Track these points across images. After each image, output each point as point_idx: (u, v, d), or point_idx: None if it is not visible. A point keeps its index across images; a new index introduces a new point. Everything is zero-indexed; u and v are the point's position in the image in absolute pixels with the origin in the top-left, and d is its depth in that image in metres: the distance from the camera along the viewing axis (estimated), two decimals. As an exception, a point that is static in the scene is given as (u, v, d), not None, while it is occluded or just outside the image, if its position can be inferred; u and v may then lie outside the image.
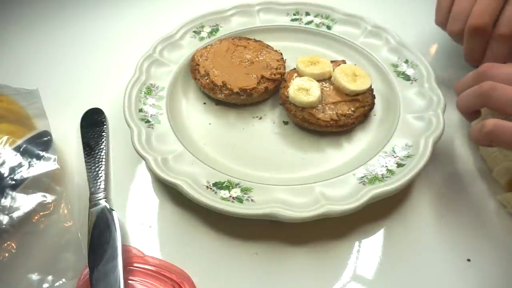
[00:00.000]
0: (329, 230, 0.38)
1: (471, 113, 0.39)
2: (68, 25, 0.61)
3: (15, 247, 0.35)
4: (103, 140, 0.45)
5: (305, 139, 0.45)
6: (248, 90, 0.46)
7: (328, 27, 0.55)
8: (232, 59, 0.49)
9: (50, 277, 0.34)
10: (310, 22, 0.56)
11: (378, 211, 0.39)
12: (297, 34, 0.55)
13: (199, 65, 0.48)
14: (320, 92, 0.44)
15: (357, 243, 0.38)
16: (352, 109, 0.44)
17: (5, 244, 0.35)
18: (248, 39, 0.53)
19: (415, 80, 0.48)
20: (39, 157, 0.39)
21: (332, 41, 0.54)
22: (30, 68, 0.55)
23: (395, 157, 0.41)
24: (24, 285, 0.34)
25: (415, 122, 0.43)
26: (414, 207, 0.40)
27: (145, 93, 0.46)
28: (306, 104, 0.44)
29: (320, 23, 0.55)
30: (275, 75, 0.48)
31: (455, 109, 0.40)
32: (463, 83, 0.40)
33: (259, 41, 0.53)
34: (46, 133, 0.41)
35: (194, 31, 0.54)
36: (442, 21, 0.48)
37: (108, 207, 0.38)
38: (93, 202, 0.39)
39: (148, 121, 0.44)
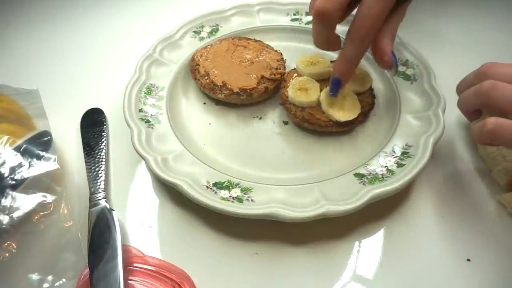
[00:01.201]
0: (329, 230, 0.38)
1: (472, 112, 0.39)
2: (68, 25, 0.61)
3: (15, 247, 0.35)
4: (103, 140, 0.45)
5: (305, 139, 0.45)
6: (248, 90, 0.46)
7: (328, 27, 0.55)
8: (232, 59, 0.49)
9: (50, 277, 0.34)
10: (310, 22, 0.56)
11: (378, 211, 0.39)
12: (297, 34, 0.55)
13: (199, 65, 0.48)
14: (320, 92, 0.44)
15: (357, 243, 0.38)
16: (352, 109, 0.44)
17: (5, 244, 0.35)
18: (248, 39, 0.53)
19: (415, 80, 0.48)
20: (39, 157, 0.39)
21: (332, 41, 0.54)
22: (30, 68, 0.55)
23: (395, 157, 0.41)
24: (24, 285, 0.34)
25: (415, 122, 0.43)
26: (414, 207, 0.40)
27: (145, 93, 0.46)
28: (306, 104, 0.44)
29: (320, 23, 0.55)
30: (275, 75, 0.48)
31: (455, 109, 0.40)
32: (464, 83, 0.40)
33: (259, 41, 0.53)
34: (46, 133, 0.41)
35: (194, 31, 0.54)
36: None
37: (108, 207, 0.38)
38: (93, 202, 0.39)
39: (148, 121, 0.44)
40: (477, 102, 0.37)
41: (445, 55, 0.55)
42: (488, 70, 0.37)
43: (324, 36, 0.39)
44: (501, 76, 0.35)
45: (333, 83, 0.41)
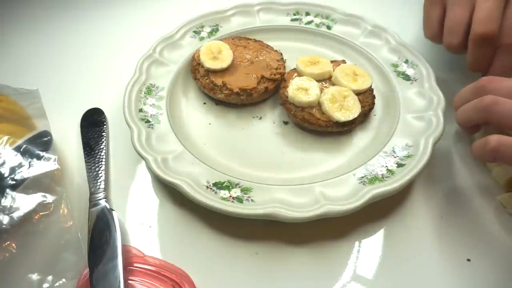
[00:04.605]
0: (329, 230, 0.38)
1: (471, 127, 0.39)
2: (68, 25, 0.61)
3: (15, 247, 0.35)
4: (103, 140, 0.45)
5: (305, 139, 0.45)
6: (248, 90, 0.46)
7: (328, 27, 0.55)
8: (232, 59, 0.49)
9: (50, 277, 0.34)
10: (310, 22, 0.56)
11: (378, 211, 0.39)
12: (297, 34, 0.55)
13: (199, 64, 0.48)
14: (320, 91, 0.44)
15: (357, 243, 0.38)
16: (352, 109, 0.44)
17: (5, 244, 0.35)
18: (248, 39, 0.53)
19: (415, 80, 0.48)
20: (39, 157, 0.39)
21: (332, 41, 0.54)
22: (30, 68, 0.55)
23: (395, 157, 0.41)
24: (24, 285, 0.34)
25: (415, 122, 0.43)
26: (414, 207, 0.40)
27: (145, 93, 0.46)
28: (305, 103, 0.44)
29: (320, 23, 0.55)
30: (275, 75, 0.48)
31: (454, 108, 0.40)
32: (461, 97, 0.39)
33: (259, 41, 0.53)
34: (46, 133, 0.41)
35: (194, 31, 0.54)
36: (434, 34, 0.45)
37: (108, 207, 0.38)
38: (93, 202, 0.39)
39: (148, 121, 0.44)
40: (477, 117, 0.36)
41: (446, 55, 0.54)
42: (487, 84, 0.36)
43: (486, 58, 0.41)
44: (501, 91, 0.35)
45: None
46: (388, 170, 0.39)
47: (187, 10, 0.57)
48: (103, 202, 0.39)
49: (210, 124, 0.46)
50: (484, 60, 0.42)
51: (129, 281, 0.35)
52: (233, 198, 0.38)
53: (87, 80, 0.53)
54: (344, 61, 0.49)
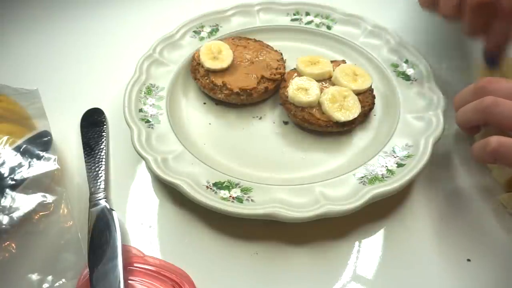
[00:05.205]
0: (329, 230, 0.38)
1: (471, 128, 0.39)
2: (68, 25, 0.61)
3: (15, 247, 0.35)
4: (103, 140, 0.45)
5: (305, 139, 0.45)
6: (248, 90, 0.46)
7: (328, 27, 0.55)
8: (232, 59, 0.49)
9: (50, 277, 0.34)
10: (310, 22, 0.56)
11: (378, 211, 0.39)
12: (297, 34, 0.55)
13: (199, 64, 0.48)
14: (320, 91, 0.44)
15: (357, 243, 0.38)
16: (352, 109, 0.44)
17: (5, 244, 0.35)
18: (248, 39, 0.53)
19: (415, 80, 0.48)
20: (39, 157, 0.39)
21: (332, 41, 0.54)
22: (30, 68, 0.55)
23: (395, 157, 0.41)
24: (24, 285, 0.34)
25: (415, 122, 0.43)
26: (414, 207, 0.40)
27: (145, 93, 0.46)
28: (305, 103, 0.44)
29: (320, 23, 0.55)
30: (275, 75, 0.48)
31: (454, 109, 0.40)
32: (461, 97, 0.39)
33: (259, 41, 0.53)
34: (46, 133, 0.41)
35: (194, 31, 0.54)
36: (430, 1, 0.44)
37: (108, 207, 0.38)
38: (93, 202, 0.39)
39: (148, 121, 0.44)
40: (477, 118, 0.36)
41: (446, 55, 0.55)
42: (488, 85, 0.36)
43: (483, 24, 0.41)
44: (501, 92, 0.35)
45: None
46: (388, 170, 0.39)
47: (187, 10, 0.57)
48: (103, 202, 0.39)
49: (210, 124, 0.46)
50: (480, 25, 0.41)
51: (129, 281, 0.35)
52: (233, 198, 0.38)
53: (87, 80, 0.53)
54: (344, 61, 0.49)
